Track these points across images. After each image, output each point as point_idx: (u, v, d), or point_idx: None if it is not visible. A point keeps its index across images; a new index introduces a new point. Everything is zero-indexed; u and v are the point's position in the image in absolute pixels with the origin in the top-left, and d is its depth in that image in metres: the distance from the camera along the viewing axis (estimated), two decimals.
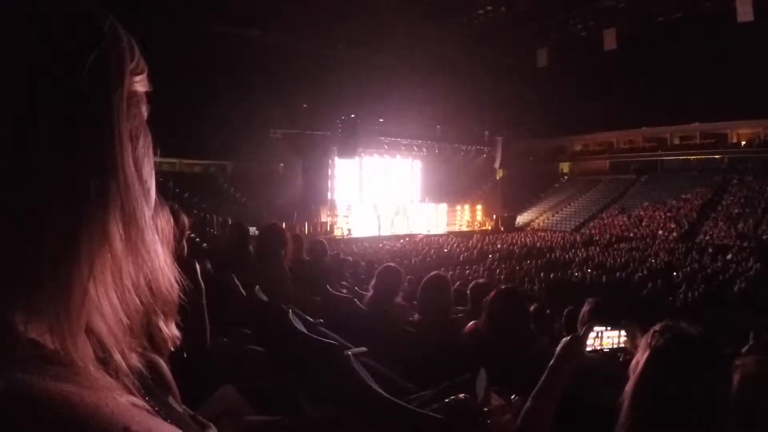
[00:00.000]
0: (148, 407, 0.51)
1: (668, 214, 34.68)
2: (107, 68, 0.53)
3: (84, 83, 0.50)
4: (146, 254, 0.57)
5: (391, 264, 4.98)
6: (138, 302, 0.57)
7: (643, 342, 1.54)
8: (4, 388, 0.41)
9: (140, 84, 0.60)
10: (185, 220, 2.61)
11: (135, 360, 0.59)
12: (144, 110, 0.62)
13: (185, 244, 2.71)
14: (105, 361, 0.54)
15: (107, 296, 0.52)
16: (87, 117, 0.51)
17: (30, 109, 0.47)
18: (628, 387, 1.49)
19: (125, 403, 0.48)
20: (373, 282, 4.68)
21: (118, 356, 0.55)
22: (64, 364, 0.47)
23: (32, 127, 0.47)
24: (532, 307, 6.72)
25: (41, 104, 0.48)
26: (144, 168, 0.60)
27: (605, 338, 2.03)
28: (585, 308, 3.46)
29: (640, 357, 1.51)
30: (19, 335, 0.46)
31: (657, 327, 1.53)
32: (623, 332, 2.04)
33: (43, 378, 0.44)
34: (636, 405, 1.45)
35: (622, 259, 20.98)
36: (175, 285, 0.67)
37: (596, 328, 2.02)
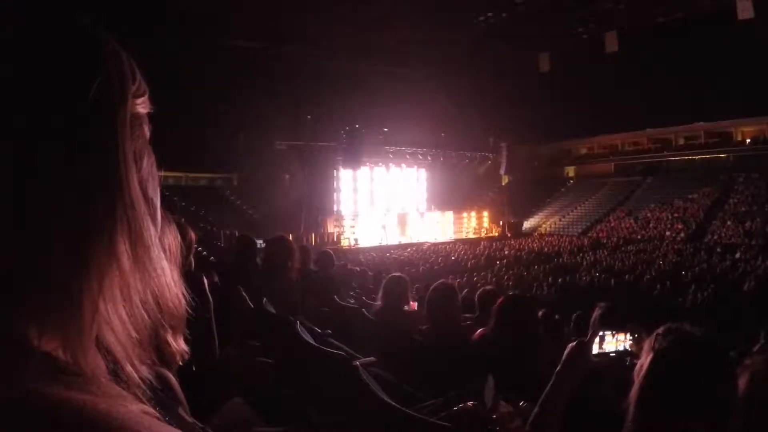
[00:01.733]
0: (158, 415, 0.53)
1: (675, 214, 34.55)
2: (110, 92, 0.54)
3: (88, 107, 0.52)
4: (153, 271, 0.59)
5: (398, 273, 4.99)
6: (146, 317, 0.58)
7: (647, 345, 1.54)
8: (19, 398, 0.43)
9: (142, 106, 0.61)
10: (192, 235, 2.63)
11: (145, 372, 0.61)
12: (146, 131, 0.63)
13: (192, 259, 2.73)
14: (116, 373, 0.56)
15: (116, 311, 0.54)
16: (91, 140, 0.52)
17: (35, 133, 0.49)
18: (634, 390, 1.50)
19: (136, 410, 0.49)
20: (380, 292, 4.69)
21: (129, 368, 0.57)
22: (77, 375, 0.49)
23: (37, 151, 0.49)
24: (540, 313, 6.70)
25: (46, 128, 0.50)
26: (149, 187, 0.62)
27: (610, 342, 2.03)
28: (595, 313, 3.45)
29: (644, 360, 1.52)
30: (34, 349, 0.48)
31: (660, 329, 1.54)
32: (629, 336, 2.04)
33: (56, 387, 0.45)
34: (640, 407, 1.45)
35: (630, 262, 20.89)
36: (182, 300, 0.68)
37: (602, 333, 2.02)
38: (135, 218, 0.55)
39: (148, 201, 0.60)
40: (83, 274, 0.51)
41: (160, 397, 0.69)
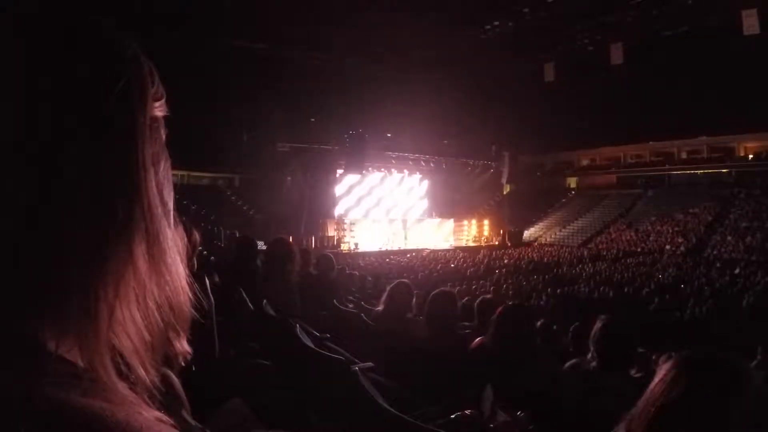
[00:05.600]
0: (171, 422, 0.53)
1: (676, 228, 34.53)
2: (131, 95, 0.55)
3: (109, 111, 0.52)
4: (168, 274, 0.59)
5: (404, 280, 4.99)
6: (160, 321, 0.58)
7: (669, 365, 1.51)
8: (38, 404, 0.42)
9: (159, 109, 0.62)
10: (197, 236, 2.64)
11: (153, 375, 0.61)
12: (163, 134, 0.64)
13: (195, 260, 2.73)
14: (127, 376, 0.56)
15: (132, 315, 0.54)
16: (112, 143, 0.53)
17: (57, 136, 0.49)
18: (646, 407, 1.46)
19: (151, 418, 0.50)
20: (384, 297, 4.68)
21: (141, 372, 0.56)
22: (93, 380, 0.48)
23: (59, 154, 0.49)
24: (539, 323, 6.70)
25: (68, 131, 0.50)
26: (165, 190, 0.61)
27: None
28: (597, 325, 3.45)
29: (664, 380, 1.48)
30: (50, 353, 0.48)
31: (685, 353, 1.52)
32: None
33: (74, 393, 0.45)
34: (654, 426, 1.43)
35: (630, 274, 20.85)
36: (191, 302, 0.68)
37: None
38: (152, 222, 0.56)
39: (164, 204, 0.60)
40: (100, 276, 0.51)
41: (165, 401, 0.69)
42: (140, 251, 0.54)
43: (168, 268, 0.59)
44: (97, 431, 0.43)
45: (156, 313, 0.58)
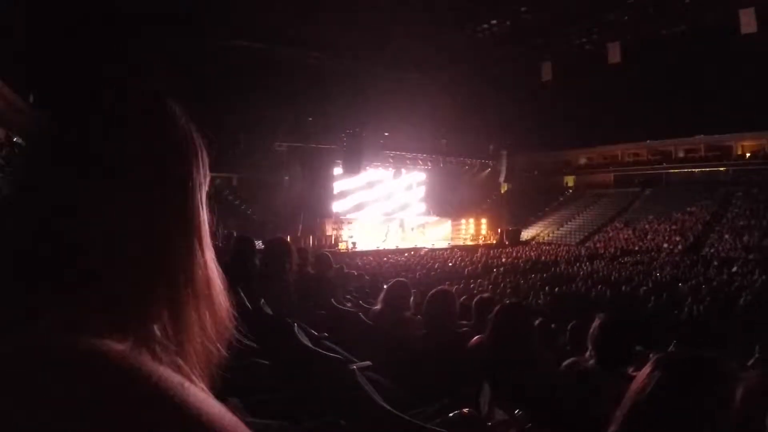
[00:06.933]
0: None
1: (673, 227, 34.55)
2: (188, 155, 0.77)
3: (172, 168, 0.72)
4: (214, 290, 0.71)
5: (402, 279, 4.99)
6: (212, 332, 0.69)
7: (650, 364, 1.53)
8: (80, 349, 0.49)
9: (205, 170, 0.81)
10: None
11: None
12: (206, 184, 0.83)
13: None
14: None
15: (193, 319, 0.66)
16: (176, 194, 0.71)
17: (146, 183, 0.65)
18: (628, 404, 1.49)
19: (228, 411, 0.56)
20: (382, 296, 4.69)
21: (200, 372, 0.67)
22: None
23: (143, 191, 0.65)
24: (536, 322, 6.70)
25: (145, 183, 0.65)
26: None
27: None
28: (595, 323, 3.45)
29: (645, 378, 1.51)
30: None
31: (666, 352, 1.55)
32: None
33: (117, 347, 0.52)
34: (634, 421, 1.45)
35: (627, 273, 20.85)
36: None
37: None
38: (203, 249, 0.72)
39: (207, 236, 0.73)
40: (158, 282, 0.63)
41: None
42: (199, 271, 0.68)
43: (212, 283, 0.71)
44: (135, 378, 0.49)
45: (211, 322, 0.69)
